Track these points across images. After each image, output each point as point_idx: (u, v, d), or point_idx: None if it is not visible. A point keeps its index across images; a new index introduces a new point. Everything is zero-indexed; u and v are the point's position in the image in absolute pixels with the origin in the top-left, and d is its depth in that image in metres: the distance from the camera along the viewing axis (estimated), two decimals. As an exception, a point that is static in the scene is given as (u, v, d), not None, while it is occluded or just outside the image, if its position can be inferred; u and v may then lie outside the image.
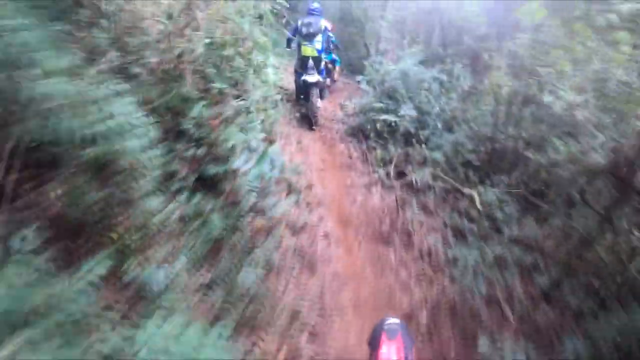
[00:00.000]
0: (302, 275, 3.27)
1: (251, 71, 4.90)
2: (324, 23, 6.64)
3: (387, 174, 5.02)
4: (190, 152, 3.28)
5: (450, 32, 7.95)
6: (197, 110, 3.34)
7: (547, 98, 5.13)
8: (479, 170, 4.99)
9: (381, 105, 5.82)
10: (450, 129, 5.43)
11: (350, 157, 5.61)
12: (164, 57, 3.46)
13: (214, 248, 3.04)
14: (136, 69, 3.19)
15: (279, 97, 6.40)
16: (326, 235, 3.79)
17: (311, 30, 6.52)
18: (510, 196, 4.36)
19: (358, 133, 6.20)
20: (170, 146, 3.22)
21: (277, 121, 5.52)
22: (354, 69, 11.13)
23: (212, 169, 3.21)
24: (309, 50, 6.65)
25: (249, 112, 4.76)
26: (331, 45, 8.35)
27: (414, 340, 1.29)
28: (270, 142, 5.04)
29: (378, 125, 5.53)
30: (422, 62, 6.47)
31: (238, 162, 3.16)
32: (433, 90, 5.72)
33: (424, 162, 5.06)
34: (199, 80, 3.61)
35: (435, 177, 4.81)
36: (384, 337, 1.15)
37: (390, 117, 5.37)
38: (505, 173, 4.81)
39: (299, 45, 6.79)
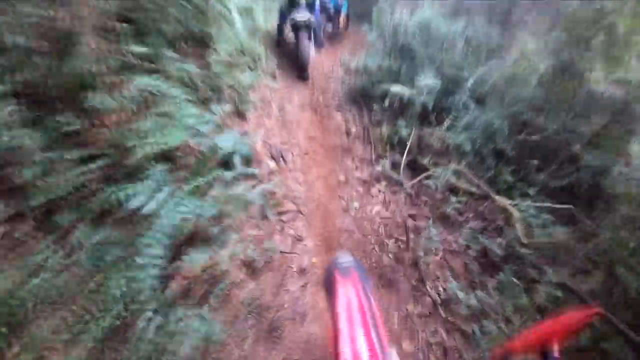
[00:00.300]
0: (257, 349, 2.23)
1: (212, 20, 3.54)
2: None
3: (395, 166, 3.82)
4: (89, 165, 2.11)
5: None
6: (99, 98, 2.11)
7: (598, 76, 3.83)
8: (514, 164, 3.78)
9: (392, 65, 4.45)
10: (480, 105, 4.11)
11: (348, 135, 4.36)
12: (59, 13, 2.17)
13: (122, 324, 1.97)
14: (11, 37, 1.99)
15: (261, 49, 5.01)
16: (302, 272, 2.71)
17: None
18: (558, 216, 3.20)
19: (360, 99, 4.88)
20: (54, 159, 2.04)
21: (253, 85, 4.22)
22: (360, 15, 9.50)
23: (117, 193, 2.04)
24: None
25: (208, 79, 3.48)
26: None
27: (367, 276, 1.08)
28: (240, 116, 3.80)
29: (388, 97, 4.19)
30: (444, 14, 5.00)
31: (138, 199, 1.95)
32: (459, 51, 4.30)
33: (445, 151, 3.83)
34: (109, 45, 2.33)
35: (459, 175, 3.62)
36: (337, 276, 1.05)
37: (405, 90, 4.01)
38: (547, 172, 3.60)
39: None
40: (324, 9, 7.42)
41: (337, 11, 7.68)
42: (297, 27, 5.30)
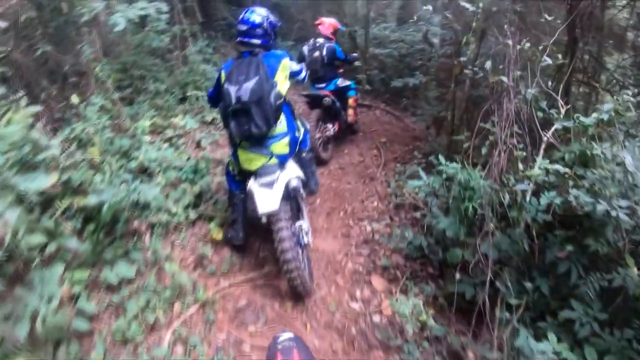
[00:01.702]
0: None
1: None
2: (285, 66, 2.54)
3: None
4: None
5: None
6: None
7: None
8: None
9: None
10: None
11: None
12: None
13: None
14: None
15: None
16: None
17: (252, 125, 2.37)
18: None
19: None
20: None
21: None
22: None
23: None
24: (255, 160, 2.51)
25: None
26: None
27: (310, 353, 1.08)
28: None
29: None
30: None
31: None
32: None
33: None
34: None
35: None
36: (279, 358, 1.02)
37: None
38: None
39: (233, 144, 2.65)
40: (314, 101, 4.37)
41: (342, 96, 4.65)
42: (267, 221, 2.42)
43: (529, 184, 2.06)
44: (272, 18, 2.53)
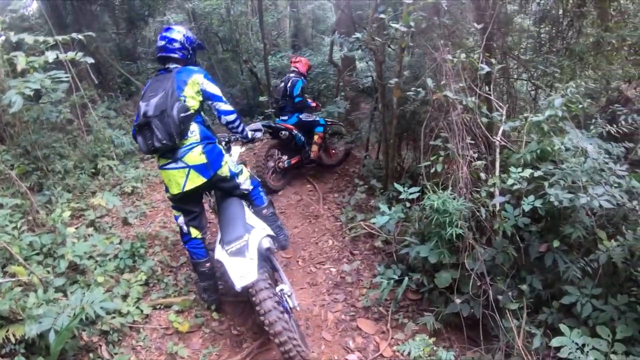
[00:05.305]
0: None
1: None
2: (196, 81, 2.44)
3: None
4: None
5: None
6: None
7: None
8: None
9: None
10: None
11: None
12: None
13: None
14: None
15: None
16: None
17: (154, 139, 2.29)
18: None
19: None
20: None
21: None
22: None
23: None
24: (175, 178, 2.44)
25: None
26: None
27: None
28: None
29: None
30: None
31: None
32: None
33: None
34: None
35: None
36: None
37: None
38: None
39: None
40: (274, 132, 4.52)
41: (308, 131, 4.75)
42: None
43: (506, 196, 2.16)
44: (189, 34, 2.58)
